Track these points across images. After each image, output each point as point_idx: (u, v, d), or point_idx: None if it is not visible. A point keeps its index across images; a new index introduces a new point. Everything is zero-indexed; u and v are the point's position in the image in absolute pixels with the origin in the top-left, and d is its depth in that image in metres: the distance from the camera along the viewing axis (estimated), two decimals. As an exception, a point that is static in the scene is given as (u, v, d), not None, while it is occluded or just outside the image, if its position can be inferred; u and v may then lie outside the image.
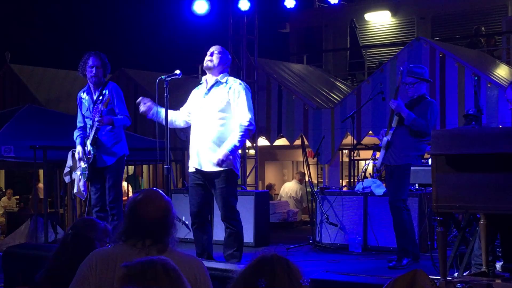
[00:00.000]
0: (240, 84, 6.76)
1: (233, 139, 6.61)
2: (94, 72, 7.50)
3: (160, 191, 3.63)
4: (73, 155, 8.97)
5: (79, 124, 7.79)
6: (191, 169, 6.90)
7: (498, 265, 5.82)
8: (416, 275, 2.96)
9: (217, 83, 6.77)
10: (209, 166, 6.71)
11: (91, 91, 7.66)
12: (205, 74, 6.96)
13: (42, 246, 7.68)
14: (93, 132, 7.44)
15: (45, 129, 10.75)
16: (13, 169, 13.52)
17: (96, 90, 7.59)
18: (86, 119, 7.68)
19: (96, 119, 7.37)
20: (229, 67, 6.93)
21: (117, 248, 3.45)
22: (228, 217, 6.77)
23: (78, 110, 7.81)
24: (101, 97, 7.49)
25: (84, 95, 7.71)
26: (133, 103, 14.59)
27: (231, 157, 6.61)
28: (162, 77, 6.69)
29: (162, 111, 6.84)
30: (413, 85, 7.54)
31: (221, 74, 6.79)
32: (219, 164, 6.60)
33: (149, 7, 24.57)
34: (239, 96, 6.67)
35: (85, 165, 7.54)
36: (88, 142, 7.52)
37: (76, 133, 7.77)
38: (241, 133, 6.61)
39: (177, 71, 6.68)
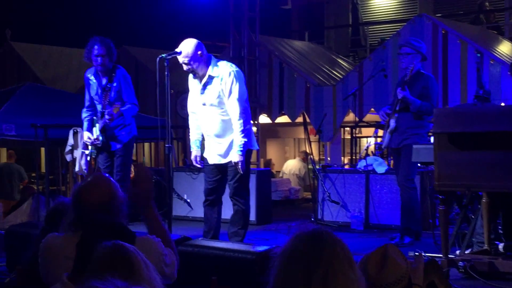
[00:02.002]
0: (230, 73, 6.59)
1: (237, 139, 6.58)
2: (100, 61, 7.53)
3: (106, 175, 3.50)
4: (74, 133, 8.98)
5: (87, 103, 7.86)
6: (207, 156, 6.90)
7: (501, 246, 5.82)
8: (388, 249, 2.98)
9: (209, 78, 6.64)
10: (218, 158, 6.74)
11: (99, 76, 7.71)
12: None
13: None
14: (102, 122, 7.50)
15: (46, 107, 10.73)
16: (14, 148, 13.51)
17: (104, 77, 7.63)
18: (94, 101, 7.76)
19: (106, 117, 7.45)
20: (206, 52, 6.65)
21: (66, 239, 3.29)
22: (237, 194, 6.78)
23: (86, 89, 7.85)
24: (109, 85, 7.58)
25: (92, 78, 7.76)
26: (134, 81, 14.62)
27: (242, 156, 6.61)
28: (163, 55, 6.64)
29: (199, 138, 6.94)
30: (407, 55, 7.49)
31: (210, 67, 6.64)
32: (238, 168, 6.62)
33: (150, -17, 24.40)
34: (231, 89, 6.56)
35: (93, 148, 7.66)
36: (97, 129, 7.63)
37: (84, 114, 7.84)
38: (241, 129, 6.57)
39: (178, 50, 6.63)
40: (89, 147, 7.75)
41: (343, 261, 2.33)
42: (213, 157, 6.80)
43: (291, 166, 15.01)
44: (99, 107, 7.66)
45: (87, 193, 3.36)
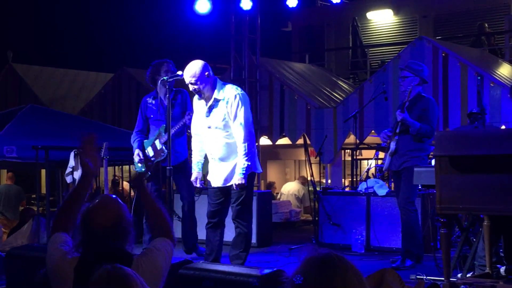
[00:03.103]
0: (236, 96, 6.61)
1: (240, 162, 6.60)
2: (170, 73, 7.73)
3: (114, 196, 3.49)
4: (75, 155, 8.97)
5: (139, 127, 8.04)
6: (211, 180, 6.91)
7: (502, 269, 5.79)
8: (385, 274, 2.96)
9: (215, 101, 6.66)
10: (222, 182, 6.75)
11: (157, 98, 7.90)
12: None
13: (44, 248, 7.66)
14: (170, 133, 7.61)
15: (48, 129, 10.73)
16: (15, 169, 13.53)
17: (169, 94, 7.75)
18: (154, 121, 7.93)
19: (187, 117, 7.56)
20: (212, 74, 6.69)
21: (73, 262, 3.29)
22: (239, 217, 6.77)
23: (140, 114, 8.04)
24: (173, 102, 7.71)
25: (150, 100, 7.95)
26: (135, 103, 14.69)
27: (244, 179, 6.62)
28: (165, 78, 6.70)
29: (201, 161, 6.95)
30: (405, 78, 7.50)
31: (216, 90, 6.66)
32: (239, 188, 6.65)
33: (151, 6, 24.54)
34: (236, 113, 6.59)
35: (143, 166, 7.78)
36: (159, 141, 7.76)
37: (133, 137, 8.00)
38: (244, 152, 6.58)
39: (179, 72, 6.68)
40: (139, 165, 7.88)
41: None
42: (217, 180, 6.80)
43: (290, 187, 15.01)
44: (161, 126, 7.81)
45: (93, 216, 3.33)
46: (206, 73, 6.60)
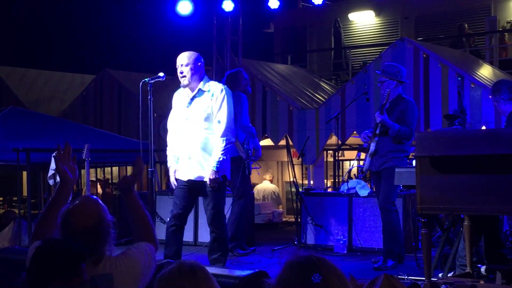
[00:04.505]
0: (222, 90, 6.64)
1: (216, 155, 6.55)
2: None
3: (95, 197, 3.50)
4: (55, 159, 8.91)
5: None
6: (181, 176, 6.75)
7: (483, 268, 5.84)
8: (389, 279, 2.98)
9: (199, 92, 6.67)
10: (195, 176, 6.66)
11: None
12: None
13: (26, 251, 7.61)
14: None
15: (29, 131, 10.67)
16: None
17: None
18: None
19: None
20: (204, 68, 6.73)
21: None
22: (215, 222, 6.71)
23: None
24: None
25: None
26: (117, 104, 14.64)
27: (218, 173, 6.55)
28: (146, 80, 6.69)
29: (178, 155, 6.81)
30: (382, 83, 7.62)
31: (201, 82, 6.67)
32: (213, 186, 6.56)
33: (132, 7, 24.47)
34: (220, 106, 6.60)
35: None
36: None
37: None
38: (222, 146, 6.56)
39: (161, 74, 6.67)
40: None
41: None
42: (189, 174, 6.68)
43: (261, 188, 15.04)
44: None
45: (73, 217, 3.34)
46: (199, 63, 6.66)
